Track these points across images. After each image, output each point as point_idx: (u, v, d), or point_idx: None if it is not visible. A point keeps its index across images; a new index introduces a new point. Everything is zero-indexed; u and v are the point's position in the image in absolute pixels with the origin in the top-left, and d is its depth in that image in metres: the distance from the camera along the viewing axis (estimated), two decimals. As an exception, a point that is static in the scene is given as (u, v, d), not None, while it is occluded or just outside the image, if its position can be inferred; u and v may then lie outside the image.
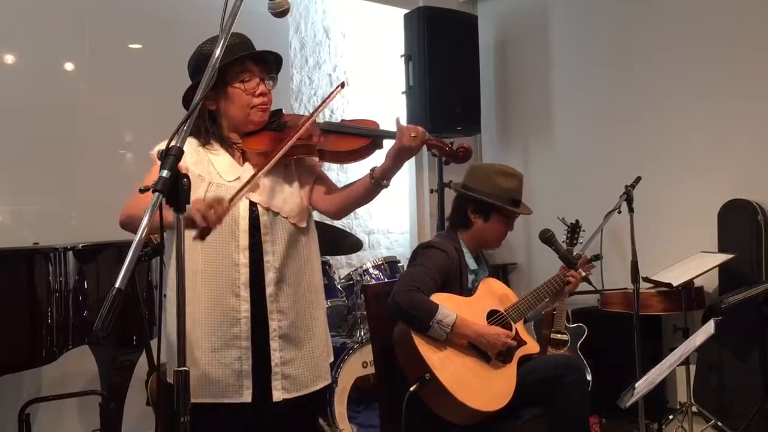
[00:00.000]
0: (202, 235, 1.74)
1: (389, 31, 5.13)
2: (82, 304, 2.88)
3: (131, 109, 3.66)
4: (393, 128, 2.01)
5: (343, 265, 4.99)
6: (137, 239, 1.34)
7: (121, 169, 3.71)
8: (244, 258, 2.02)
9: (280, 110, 2.18)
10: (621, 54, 4.54)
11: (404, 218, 5.39)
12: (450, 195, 2.91)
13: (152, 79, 3.73)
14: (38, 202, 3.54)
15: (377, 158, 2.08)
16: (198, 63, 2.09)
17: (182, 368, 1.45)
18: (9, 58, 3.53)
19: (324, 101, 2.10)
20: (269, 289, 2.04)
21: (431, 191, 4.92)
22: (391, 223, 5.46)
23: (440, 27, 4.58)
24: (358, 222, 5.27)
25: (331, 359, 2.25)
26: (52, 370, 3.27)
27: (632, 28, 4.48)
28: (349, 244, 4.05)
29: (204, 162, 2.05)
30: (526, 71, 5.16)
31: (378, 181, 2.02)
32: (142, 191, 1.55)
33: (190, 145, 2.07)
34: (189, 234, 1.66)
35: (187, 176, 1.45)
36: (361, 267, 4.10)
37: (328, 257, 4.11)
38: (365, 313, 3.63)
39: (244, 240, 2.03)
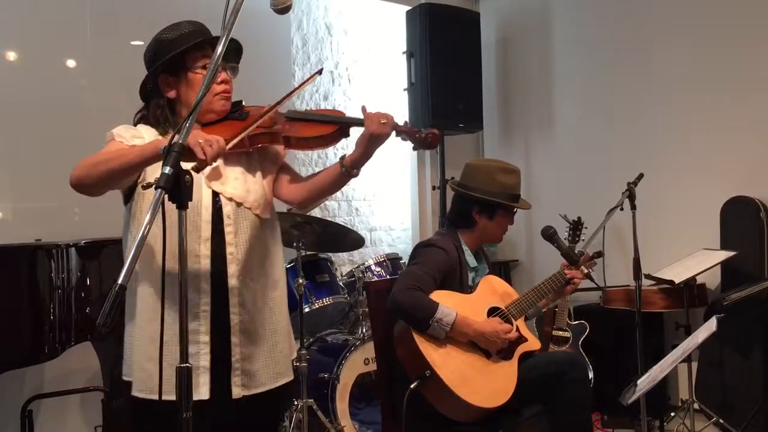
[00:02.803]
0: (198, 168, 1.68)
1: (391, 28, 5.12)
2: (85, 301, 2.88)
3: (133, 106, 3.65)
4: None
5: (344, 262, 4.99)
6: (140, 236, 1.34)
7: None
8: (205, 249, 1.95)
9: (241, 102, 2.14)
10: (623, 50, 4.54)
11: (406, 215, 5.39)
12: (452, 192, 2.90)
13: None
14: (40, 198, 3.54)
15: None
16: (155, 51, 2.06)
17: (184, 365, 1.45)
18: (11, 55, 3.53)
19: (299, 86, 2.07)
20: (231, 282, 1.97)
21: (433, 188, 4.92)
22: (393, 219, 5.46)
23: (442, 24, 4.57)
24: (360, 219, 5.28)
25: (294, 356, 2.20)
26: (54, 366, 3.27)
27: (634, 25, 4.48)
28: (351, 240, 4.05)
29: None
30: (528, 68, 5.15)
31: (348, 170, 2.00)
32: (144, 187, 1.54)
33: (148, 132, 2.04)
34: (182, 229, 1.57)
35: (189, 173, 1.45)
36: (363, 264, 4.10)
37: (329, 254, 4.12)
38: (367, 310, 3.65)
39: (206, 231, 1.96)
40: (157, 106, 2.06)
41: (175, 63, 2.03)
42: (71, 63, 3.72)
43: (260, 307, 2.05)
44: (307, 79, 2.07)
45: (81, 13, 3.70)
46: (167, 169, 1.40)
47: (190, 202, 1.47)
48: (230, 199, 2.01)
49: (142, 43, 3.90)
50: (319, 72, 2.08)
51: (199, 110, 1.54)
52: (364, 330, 3.79)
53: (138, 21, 3.85)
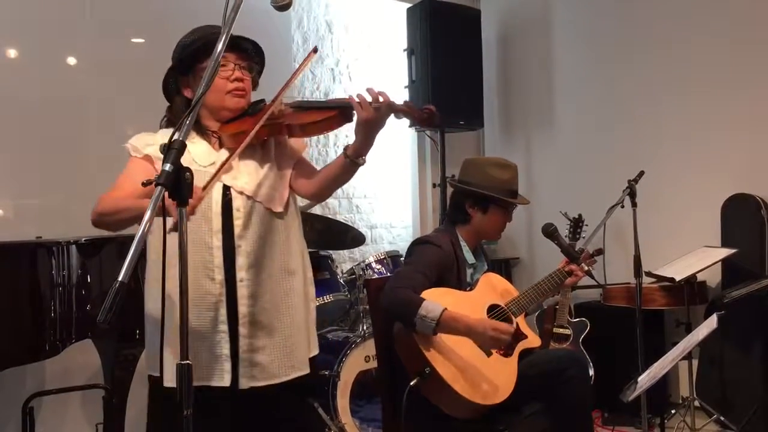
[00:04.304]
0: (177, 227, 1.70)
1: (392, 25, 5.12)
2: (85, 298, 2.88)
3: (134, 104, 3.66)
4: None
5: (345, 260, 4.99)
6: (140, 233, 1.34)
7: (124, 163, 3.65)
8: (217, 241, 2.00)
9: (263, 100, 2.15)
10: (624, 48, 4.53)
11: (407, 213, 5.39)
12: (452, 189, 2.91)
13: (155, 73, 3.72)
14: (41, 196, 3.54)
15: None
16: (175, 54, 2.12)
17: (185, 362, 1.45)
18: (12, 53, 3.53)
19: (297, 69, 2.06)
20: (240, 274, 2.02)
21: (434, 185, 4.93)
22: (393, 217, 5.46)
23: (443, 21, 4.57)
24: (361, 216, 5.27)
25: (315, 352, 2.21)
26: (55, 363, 3.26)
27: (635, 23, 4.47)
28: (352, 238, 4.05)
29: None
30: (529, 65, 5.15)
31: (352, 159, 2.00)
32: (144, 184, 1.55)
33: (166, 136, 2.07)
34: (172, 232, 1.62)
35: (189, 170, 1.46)
36: (364, 261, 4.10)
37: (330, 251, 4.12)
38: (367, 307, 3.65)
39: (217, 223, 2.01)
40: (177, 106, 2.12)
41: (188, 65, 2.08)
42: (72, 60, 3.72)
43: (272, 299, 2.06)
44: (304, 61, 2.07)
45: (82, 11, 3.70)
46: (167, 166, 1.41)
47: None
48: (241, 193, 2.04)
49: (142, 40, 3.94)
50: (314, 50, 2.07)
51: (198, 108, 1.55)
52: (364, 327, 3.79)
53: (138, 19, 3.85)
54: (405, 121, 4.66)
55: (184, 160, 1.81)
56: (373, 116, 1.92)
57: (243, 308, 2.02)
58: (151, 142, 2.09)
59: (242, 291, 2.02)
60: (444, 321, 2.40)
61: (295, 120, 2.04)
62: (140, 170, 2.07)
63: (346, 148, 2.01)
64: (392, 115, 1.98)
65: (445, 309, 2.41)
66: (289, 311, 2.10)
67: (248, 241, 2.03)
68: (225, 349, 1.99)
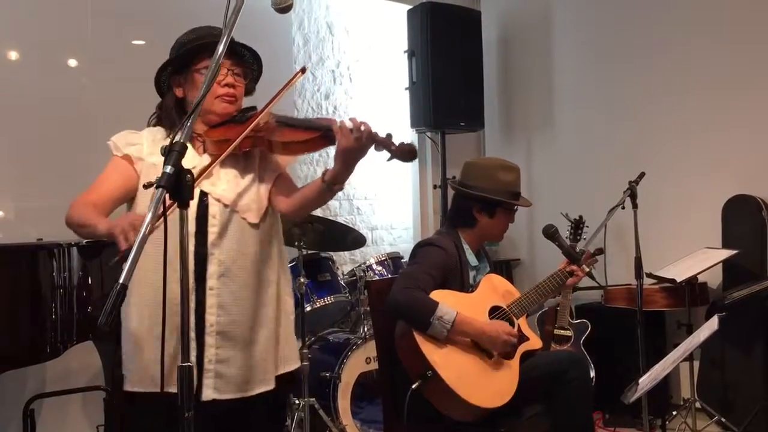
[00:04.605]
0: (122, 259, 1.63)
1: (393, 27, 5.12)
2: (86, 300, 2.88)
3: (134, 106, 3.65)
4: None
5: (346, 261, 4.99)
6: (141, 235, 1.34)
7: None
8: (189, 246, 1.92)
9: (254, 107, 2.14)
10: (624, 49, 4.53)
11: (407, 214, 5.39)
12: (453, 191, 2.90)
13: (155, 75, 3.73)
14: (42, 197, 3.53)
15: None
16: (173, 51, 2.12)
17: (186, 363, 1.45)
18: (12, 54, 3.53)
19: (283, 88, 2.04)
20: (210, 282, 1.97)
21: (434, 187, 4.92)
22: (394, 219, 5.46)
23: (444, 23, 4.57)
24: (362, 218, 5.27)
25: (288, 368, 2.14)
26: (56, 365, 3.26)
27: (635, 24, 4.47)
28: (352, 239, 4.05)
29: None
30: (530, 67, 5.15)
31: (329, 185, 1.95)
32: (146, 187, 1.54)
33: (152, 135, 2.08)
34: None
35: (190, 172, 1.45)
36: (365, 263, 4.10)
37: (331, 253, 4.12)
38: (368, 309, 3.66)
39: (191, 227, 1.96)
40: (167, 104, 2.11)
41: (183, 64, 2.07)
42: (72, 62, 3.72)
43: (243, 311, 2.02)
44: (290, 80, 2.05)
45: (82, 12, 3.70)
46: (168, 168, 1.40)
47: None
48: (218, 200, 2.02)
49: (143, 42, 3.94)
50: (302, 71, 2.05)
51: (198, 111, 1.54)
52: (365, 329, 3.79)
53: (139, 20, 3.85)
54: (405, 121, 4.69)
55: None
56: (352, 145, 1.87)
57: (211, 317, 1.97)
58: (133, 142, 2.07)
59: (211, 300, 1.98)
60: (458, 324, 2.45)
61: (278, 137, 2.02)
62: (118, 172, 2.05)
63: (324, 173, 1.97)
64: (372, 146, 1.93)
65: (458, 312, 2.45)
66: (260, 325, 2.06)
67: (222, 249, 1.99)
68: (191, 356, 1.92)
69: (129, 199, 2.08)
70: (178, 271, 1.58)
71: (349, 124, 1.89)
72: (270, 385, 2.08)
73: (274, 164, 2.15)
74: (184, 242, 1.47)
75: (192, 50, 2.04)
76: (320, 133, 1.97)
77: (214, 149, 2.04)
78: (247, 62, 2.13)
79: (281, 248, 2.19)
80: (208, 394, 1.97)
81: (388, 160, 1.93)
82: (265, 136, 2.02)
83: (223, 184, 2.04)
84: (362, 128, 1.86)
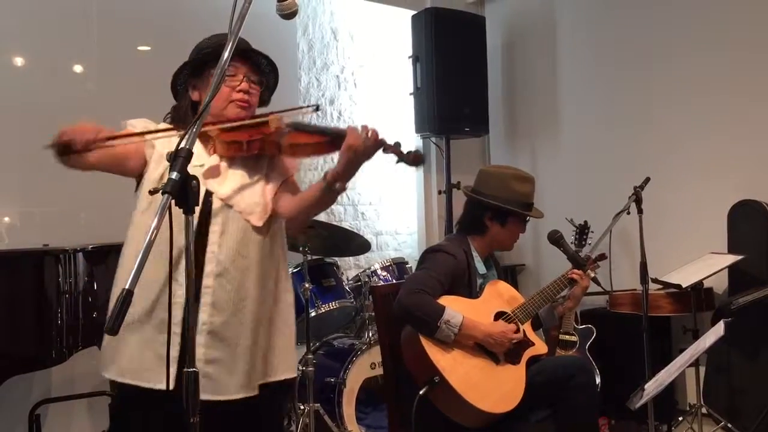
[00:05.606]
0: (56, 147, 1.74)
1: (397, 33, 5.13)
2: (92, 305, 2.89)
3: (140, 111, 3.67)
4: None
5: (351, 267, 4.99)
6: (147, 240, 1.34)
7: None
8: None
9: (270, 113, 2.14)
10: (629, 55, 4.53)
11: (412, 219, 5.39)
12: (458, 196, 2.91)
13: (161, 81, 3.74)
14: (47, 203, 3.55)
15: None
16: (192, 55, 2.14)
17: (192, 369, 1.44)
18: (18, 60, 3.55)
19: (293, 108, 2.09)
20: (206, 281, 1.96)
21: (439, 192, 4.92)
22: (399, 224, 5.46)
23: (448, 28, 4.57)
24: (366, 223, 5.28)
25: (282, 377, 2.10)
26: (61, 371, 3.28)
27: (640, 29, 4.47)
28: (357, 245, 4.05)
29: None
30: (534, 72, 5.15)
31: (330, 185, 1.95)
32: (151, 193, 1.54)
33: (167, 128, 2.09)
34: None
35: (196, 178, 1.45)
36: (369, 268, 4.10)
37: (336, 258, 4.12)
38: (373, 314, 3.65)
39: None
40: (181, 106, 2.13)
41: (200, 67, 2.10)
42: (78, 68, 3.74)
43: (236, 312, 2.00)
44: (299, 108, 2.11)
45: (87, 18, 3.72)
46: (174, 174, 1.40)
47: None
48: (222, 200, 2.03)
49: (148, 48, 3.95)
50: (316, 108, 2.09)
51: (206, 115, 1.55)
52: (370, 334, 3.78)
53: (144, 26, 3.87)
54: (409, 127, 4.70)
55: None
56: (359, 143, 1.89)
57: (204, 316, 1.96)
58: (150, 128, 2.08)
59: (206, 298, 1.96)
60: (465, 328, 2.47)
61: (287, 139, 2.04)
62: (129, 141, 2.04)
63: (326, 174, 1.97)
64: (380, 150, 1.96)
65: (465, 316, 2.46)
66: (252, 330, 2.03)
67: (221, 249, 1.99)
68: (174, 351, 1.86)
69: (120, 172, 2.09)
70: (167, 266, 1.58)
71: (360, 128, 1.93)
72: (252, 392, 2.03)
73: (282, 168, 2.16)
74: (189, 248, 1.47)
75: (209, 54, 2.06)
76: (328, 138, 2.01)
77: (223, 151, 2.07)
78: (264, 71, 2.15)
79: (283, 257, 2.18)
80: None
81: (396, 162, 1.99)
82: (275, 140, 2.04)
83: (230, 184, 2.05)
84: (371, 133, 1.91)
